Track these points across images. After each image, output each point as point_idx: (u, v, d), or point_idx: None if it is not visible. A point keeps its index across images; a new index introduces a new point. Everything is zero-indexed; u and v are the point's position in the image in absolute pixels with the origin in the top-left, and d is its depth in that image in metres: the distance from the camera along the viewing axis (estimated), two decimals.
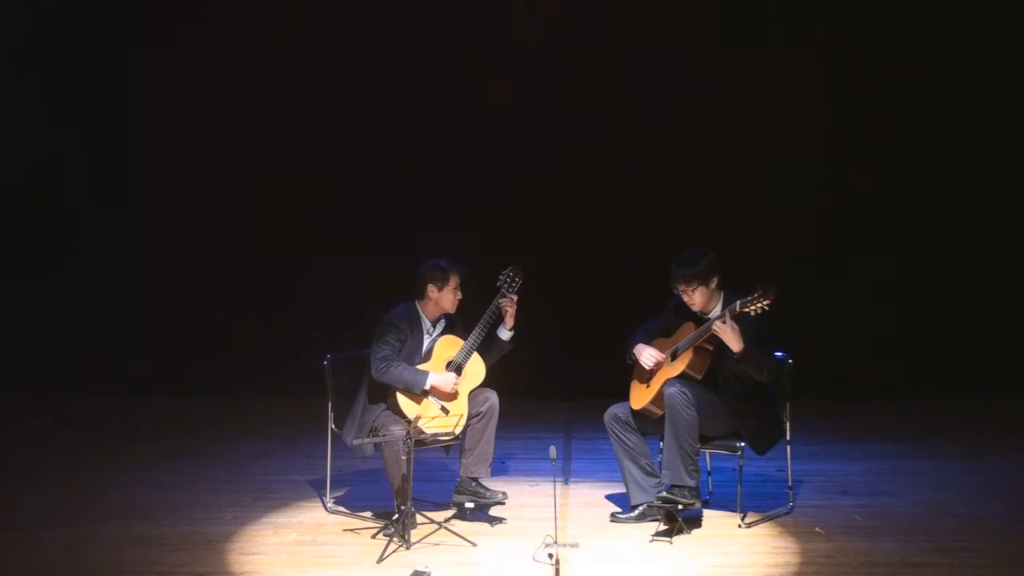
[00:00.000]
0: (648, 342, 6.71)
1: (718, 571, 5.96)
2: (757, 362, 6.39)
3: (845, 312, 10.08)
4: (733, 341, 6.32)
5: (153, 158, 10.44)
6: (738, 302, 6.34)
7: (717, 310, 6.51)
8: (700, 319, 6.56)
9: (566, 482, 7.54)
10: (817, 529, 6.54)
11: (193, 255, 10.40)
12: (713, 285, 6.52)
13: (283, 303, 10.39)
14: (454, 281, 6.70)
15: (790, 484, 6.94)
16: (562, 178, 10.27)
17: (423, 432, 6.39)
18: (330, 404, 6.96)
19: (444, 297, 6.70)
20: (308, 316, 10.22)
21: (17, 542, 6.37)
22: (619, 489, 6.95)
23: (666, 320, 6.78)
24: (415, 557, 6.08)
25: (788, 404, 6.71)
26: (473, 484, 6.68)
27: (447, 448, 6.82)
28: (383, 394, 6.66)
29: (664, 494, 6.39)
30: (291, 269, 10.37)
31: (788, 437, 6.76)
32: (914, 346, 10.08)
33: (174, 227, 10.42)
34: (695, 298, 6.52)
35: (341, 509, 6.96)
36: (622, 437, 6.68)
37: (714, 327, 6.35)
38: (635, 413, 6.69)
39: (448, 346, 6.70)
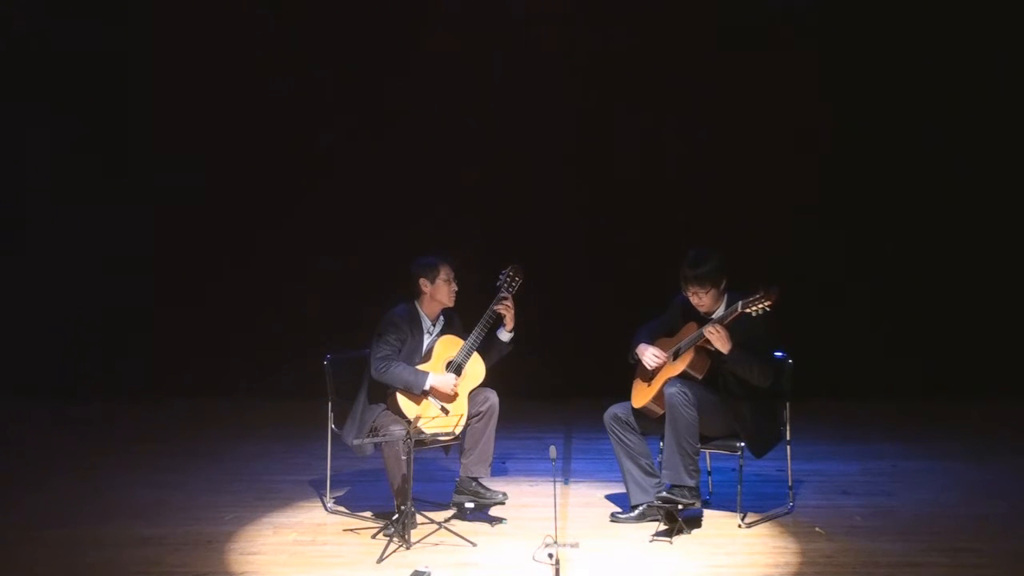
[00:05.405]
0: (651, 342, 6.71)
1: (718, 571, 5.96)
2: (745, 364, 6.40)
3: (845, 312, 10.07)
4: (722, 344, 6.34)
5: (153, 157, 10.44)
6: (740, 302, 6.35)
7: (720, 310, 6.52)
8: (703, 319, 6.56)
9: (566, 482, 7.54)
10: (817, 529, 6.54)
11: (193, 255, 10.40)
12: (723, 286, 6.53)
13: (283, 303, 10.38)
14: (445, 272, 6.70)
15: (790, 484, 6.95)
16: (562, 177, 10.28)
17: (423, 432, 6.38)
18: (330, 404, 6.96)
19: (439, 290, 6.70)
20: (308, 316, 10.21)
21: (17, 542, 6.37)
22: (619, 489, 6.95)
23: (669, 319, 6.78)
24: (415, 557, 6.08)
25: (788, 404, 6.72)
26: (473, 484, 6.68)
27: (447, 448, 6.82)
28: (383, 394, 6.66)
29: (664, 494, 6.39)
30: (291, 269, 10.36)
31: (788, 437, 6.76)
32: (914, 346, 10.07)
33: (174, 226, 10.41)
34: (705, 300, 6.53)
35: (341, 509, 6.96)
36: (622, 437, 6.68)
37: (705, 332, 6.37)
38: (636, 412, 6.70)
39: (448, 346, 6.69)
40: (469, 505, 6.68)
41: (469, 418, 6.66)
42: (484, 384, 6.71)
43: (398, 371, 6.52)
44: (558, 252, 10.14)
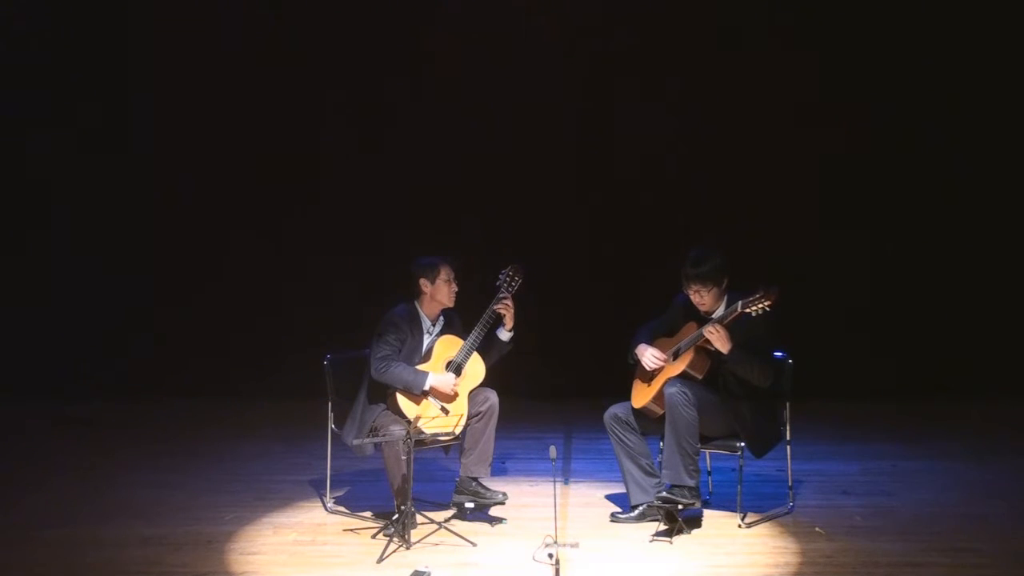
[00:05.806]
0: (651, 342, 6.70)
1: (718, 571, 5.96)
2: (746, 364, 6.40)
3: (845, 312, 10.07)
4: (721, 344, 6.35)
5: (153, 157, 10.44)
6: (740, 302, 6.35)
7: (721, 310, 6.52)
8: (703, 318, 6.56)
9: (566, 482, 7.54)
10: (817, 529, 6.54)
11: (193, 254, 10.40)
12: (724, 285, 6.53)
13: (283, 303, 10.39)
14: (445, 272, 6.70)
15: (790, 484, 6.95)
16: (562, 177, 10.27)
17: (423, 432, 6.38)
18: (330, 404, 6.96)
19: (439, 290, 6.70)
20: (308, 316, 10.21)
21: (17, 542, 6.37)
22: (619, 489, 6.95)
23: (669, 319, 6.78)
24: (415, 557, 6.08)
25: (788, 404, 6.71)
26: (473, 484, 6.67)
27: (447, 448, 6.82)
28: (383, 394, 6.66)
29: (664, 494, 6.39)
30: (291, 268, 10.36)
31: (788, 437, 6.76)
32: (914, 346, 10.08)
33: (173, 227, 10.42)
34: (706, 299, 6.52)
35: (341, 509, 6.96)
36: (622, 437, 6.68)
37: (705, 332, 6.38)
38: (636, 412, 6.70)
39: (448, 346, 6.69)
40: (469, 505, 6.68)
41: (469, 418, 6.66)
42: (484, 384, 6.71)
43: (398, 371, 6.52)
44: (558, 252, 10.14)
